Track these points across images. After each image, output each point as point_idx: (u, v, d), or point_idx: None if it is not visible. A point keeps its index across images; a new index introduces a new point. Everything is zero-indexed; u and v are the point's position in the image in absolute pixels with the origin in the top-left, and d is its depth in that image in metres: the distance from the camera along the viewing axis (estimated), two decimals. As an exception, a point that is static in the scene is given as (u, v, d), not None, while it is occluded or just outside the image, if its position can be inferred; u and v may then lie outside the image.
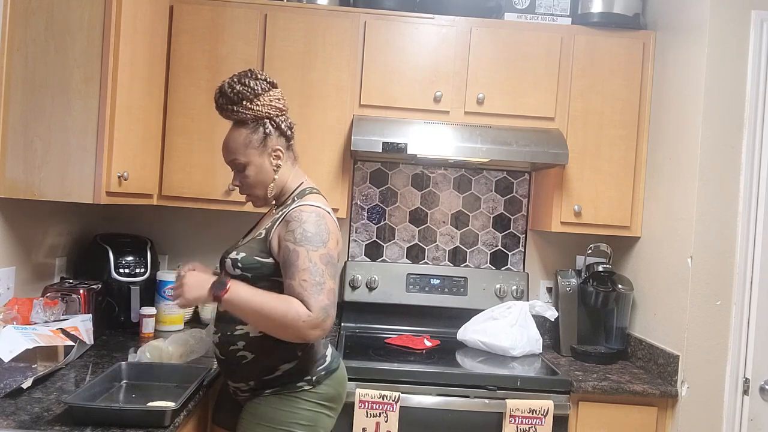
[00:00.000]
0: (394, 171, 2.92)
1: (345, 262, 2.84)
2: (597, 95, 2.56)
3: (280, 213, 1.70)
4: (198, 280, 1.60)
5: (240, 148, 1.71)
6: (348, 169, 2.57)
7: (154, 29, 2.28)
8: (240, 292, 1.57)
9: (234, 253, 1.70)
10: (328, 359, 1.75)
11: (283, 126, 1.75)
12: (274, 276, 1.65)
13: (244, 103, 1.70)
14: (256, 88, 1.70)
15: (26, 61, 1.90)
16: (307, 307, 1.54)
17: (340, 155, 2.54)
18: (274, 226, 1.67)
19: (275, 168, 1.74)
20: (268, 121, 1.73)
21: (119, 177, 2.01)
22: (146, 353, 1.96)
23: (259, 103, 1.71)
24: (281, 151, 1.75)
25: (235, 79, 1.70)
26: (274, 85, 1.75)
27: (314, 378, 1.69)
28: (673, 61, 2.43)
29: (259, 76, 1.72)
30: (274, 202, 1.83)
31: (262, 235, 1.69)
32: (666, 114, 2.46)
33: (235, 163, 1.73)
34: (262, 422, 1.65)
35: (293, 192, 1.77)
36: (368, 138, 2.37)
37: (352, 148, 2.37)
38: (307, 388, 1.68)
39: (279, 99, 1.75)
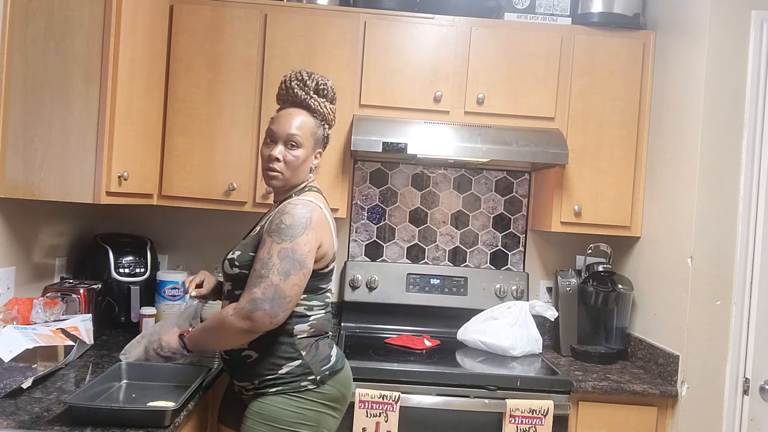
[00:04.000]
0: (394, 171, 2.92)
1: (345, 262, 2.84)
2: (597, 95, 2.56)
3: (277, 208, 1.73)
4: (169, 341, 1.78)
5: (306, 130, 1.77)
6: (348, 169, 2.57)
7: (154, 29, 2.28)
8: (192, 331, 1.74)
9: (231, 252, 1.73)
10: (333, 359, 1.75)
11: (329, 137, 1.87)
12: None
13: (323, 100, 1.79)
14: (334, 95, 1.84)
15: (26, 61, 1.90)
16: (240, 299, 1.60)
17: (340, 155, 2.53)
18: (268, 222, 1.70)
19: (313, 167, 1.82)
20: (326, 126, 1.83)
21: (119, 177, 2.01)
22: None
23: (331, 107, 1.83)
24: (320, 155, 1.84)
25: (323, 77, 1.82)
26: (335, 100, 1.87)
27: (319, 378, 1.70)
28: (673, 61, 2.42)
29: (332, 87, 1.84)
30: (276, 201, 1.84)
31: (257, 231, 1.73)
32: (666, 114, 2.46)
33: (295, 138, 1.74)
34: (266, 421, 1.65)
35: (296, 189, 1.80)
36: (368, 138, 2.37)
37: (352, 148, 2.37)
38: (311, 387, 1.68)
39: (335, 113, 1.87)
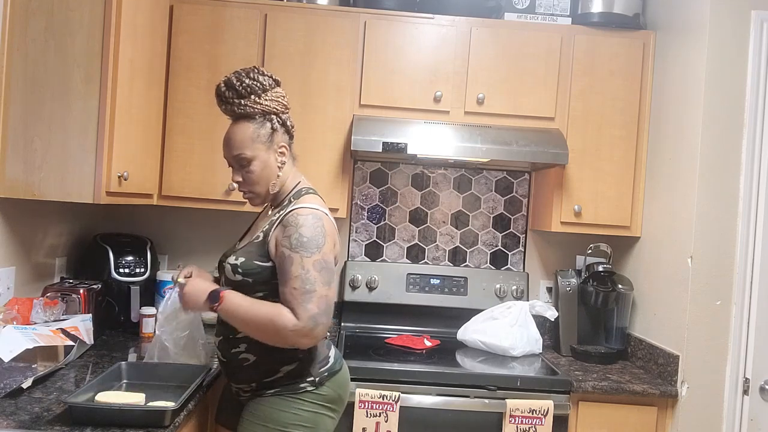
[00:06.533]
0: (394, 171, 2.92)
1: (345, 262, 2.84)
2: (597, 95, 2.56)
3: (277, 215, 1.69)
4: (196, 290, 1.66)
5: (247, 142, 1.69)
6: (348, 169, 2.57)
7: (154, 29, 2.28)
8: (234, 301, 1.63)
9: (233, 257, 1.69)
10: (331, 361, 1.75)
11: (288, 123, 1.77)
12: (275, 279, 1.65)
13: (253, 97, 1.69)
14: (264, 83, 1.70)
15: (26, 61, 1.90)
16: (296, 316, 1.56)
17: (340, 155, 2.54)
18: (272, 229, 1.67)
19: (280, 165, 1.74)
20: (275, 116, 1.72)
21: (119, 177, 2.01)
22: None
23: (267, 98, 1.70)
24: (286, 148, 1.75)
25: (243, 74, 1.69)
26: (278, 83, 1.76)
27: (317, 379, 1.69)
28: (673, 61, 2.43)
29: (265, 73, 1.72)
30: (268, 203, 1.83)
31: (260, 239, 1.68)
32: (666, 114, 2.46)
33: (240, 157, 1.70)
34: (263, 422, 1.65)
35: (290, 192, 1.76)
36: (368, 138, 2.37)
37: (352, 148, 2.37)
38: (309, 389, 1.68)
39: (284, 96, 1.76)
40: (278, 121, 1.73)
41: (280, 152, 1.74)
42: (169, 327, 1.90)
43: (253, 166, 1.70)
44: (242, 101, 1.69)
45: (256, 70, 1.71)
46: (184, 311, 1.72)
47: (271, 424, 1.64)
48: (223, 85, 1.71)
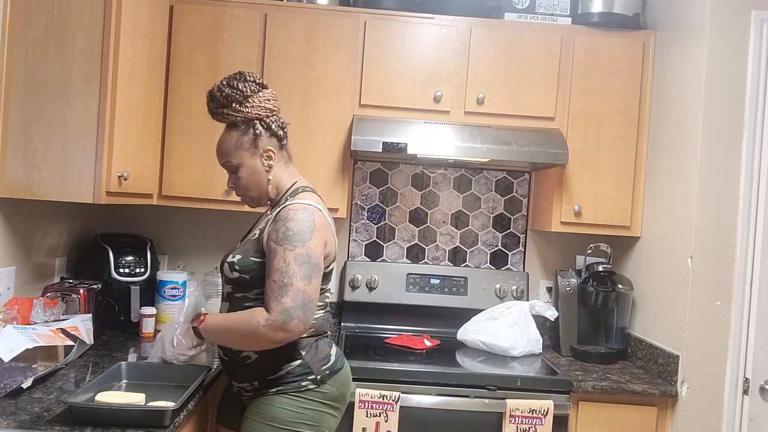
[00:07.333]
0: (394, 171, 2.92)
1: (345, 262, 2.84)
2: (597, 95, 2.56)
3: (273, 213, 1.71)
4: (182, 330, 1.79)
5: (231, 150, 1.73)
6: (348, 168, 2.57)
7: (154, 29, 2.28)
8: (213, 317, 1.71)
9: (231, 256, 1.72)
10: (333, 359, 1.75)
11: (273, 126, 1.76)
12: None
13: (233, 105, 1.71)
14: (244, 90, 1.71)
15: (26, 61, 1.90)
16: (269, 310, 1.57)
17: (340, 155, 2.54)
18: (267, 226, 1.68)
19: (267, 168, 1.76)
20: (258, 122, 1.74)
21: (119, 177, 2.01)
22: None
23: (248, 104, 1.72)
24: (273, 152, 1.76)
25: (224, 83, 1.72)
26: (263, 86, 1.76)
27: (319, 377, 1.70)
28: (673, 61, 2.43)
29: (248, 78, 1.73)
30: (269, 202, 1.84)
31: (256, 236, 1.71)
32: (666, 114, 2.46)
33: (228, 165, 1.76)
34: (266, 421, 1.65)
35: (286, 192, 1.78)
36: (368, 138, 2.37)
37: (352, 148, 2.37)
38: (312, 387, 1.68)
39: (269, 100, 1.76)
40: (262, 126, 1.74)
41: (266, 156, 1.75)
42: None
43: (241, 172, 1.75)
44: (224, 110, 1.72)
45: (238, 77, 1.73)
46: (177, 350, 1.80)
47: (276, 422, 1.64)
48: (208, 95, 1.75)
